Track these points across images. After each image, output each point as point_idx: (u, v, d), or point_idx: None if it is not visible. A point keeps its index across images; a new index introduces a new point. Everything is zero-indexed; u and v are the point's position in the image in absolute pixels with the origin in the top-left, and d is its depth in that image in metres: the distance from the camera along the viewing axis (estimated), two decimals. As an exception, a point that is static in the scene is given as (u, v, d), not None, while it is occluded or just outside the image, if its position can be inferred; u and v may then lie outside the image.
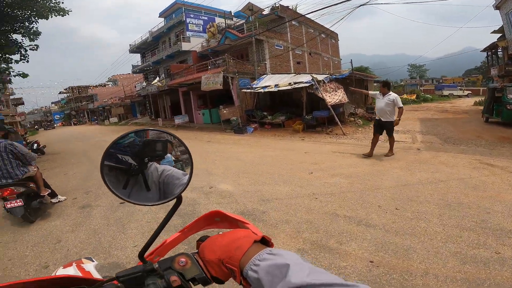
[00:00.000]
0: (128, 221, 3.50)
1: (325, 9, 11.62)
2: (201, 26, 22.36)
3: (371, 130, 9.93)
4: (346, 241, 2.63)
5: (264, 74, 15.29)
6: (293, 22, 19.21)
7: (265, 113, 13.33)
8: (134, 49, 28.59)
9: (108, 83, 51.48)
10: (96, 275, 1.05)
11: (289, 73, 14.66)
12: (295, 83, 11.34)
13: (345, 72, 13.05)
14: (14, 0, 8.76)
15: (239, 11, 21.17)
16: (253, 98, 14.35)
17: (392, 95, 5.47)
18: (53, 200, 4.61)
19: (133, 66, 29.86)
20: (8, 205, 3.66)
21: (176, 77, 18.57)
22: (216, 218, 0.75)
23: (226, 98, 15.50)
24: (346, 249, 2.49)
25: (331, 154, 6.55)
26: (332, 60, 26.80)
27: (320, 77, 10.91)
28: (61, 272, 1.07)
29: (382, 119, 5.56)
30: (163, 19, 25.31)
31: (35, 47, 10.16)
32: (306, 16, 17.31)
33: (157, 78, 22.56)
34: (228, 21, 21.87)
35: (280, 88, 11.75)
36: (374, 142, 5.80)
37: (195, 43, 20.90)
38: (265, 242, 0.55)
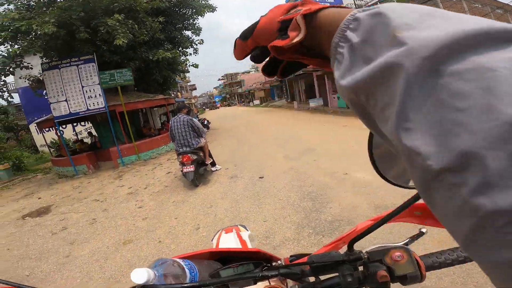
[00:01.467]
0: (263, 196, 3.91)
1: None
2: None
3: None
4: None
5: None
6: None
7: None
8: (272, 35, 30.76)
9: (252, 69, 58.45)
10: (249, 244, 1.17)
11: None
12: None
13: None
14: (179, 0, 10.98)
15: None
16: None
17: None
18: (213, 169, 5.70)
19: (272, 53, 32.28)
20: (184, 170, 4.57)
21: (312, 61, 18.66)
22: (417, 212, 0.65)
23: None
24: None
25: None
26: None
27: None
28: (224, 236, 1.23)
29: None
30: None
31: (201, 41, 12.65)
32: None
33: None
34: (358, 1, 19.42)
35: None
36: None
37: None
38: None
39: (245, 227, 1.42)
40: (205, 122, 14.41)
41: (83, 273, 2.82)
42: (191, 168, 4.55)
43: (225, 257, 0.68)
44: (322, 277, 0.53)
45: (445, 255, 0.53)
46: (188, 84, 46.73)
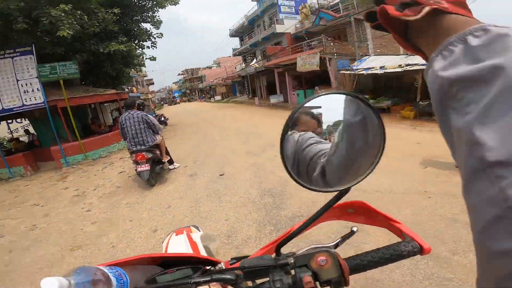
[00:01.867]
0: (224, 194, 3.84)
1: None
2: (293, 7, 21.70)
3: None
4: (463, 251, 2.18)
5: (366, 55, 13.80)
6: None
7: (366, 96, 12.17)
8: (233, 33, 30.68)
9: (213, 65, 57.45)
10: (201, 246, 1.16)
11: (398, 54, 12.74)
12: (407, 65, 9.75)
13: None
14: None
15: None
16: (352, 80, 13.26)
17: None
18: (170, 167, 5.48)
19: (233, 49, 32.26)
20: (138, 169, 4.32)
21: (272, 59, 18.96)
22: (349, 209, 0.66)
23: (322, 79, 14.92)
24: (460, 260, 2.07)
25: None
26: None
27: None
28: (174, 238, 1.22)
29: None
30: (256, 2, 25.78)
31: (160, 34, 12.02)
32: None
33: (254, 60, 23.66)
34: (321, 1, 20.49)
35: (387, 71, 10.37)
36: None
37: (288, 25, 20.54)
38: None
39: (197, 228, 1.38)
40: (162, 118, 13.80)
41: (27, 283, 2.52)
42: (146, 167, 4.33)
43: (170, 262, 0.65)
44: (259, 281, 0.52)
45: (368, 256, 0.53)
46: (145, 78, 44.22)
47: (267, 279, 0.50)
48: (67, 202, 4.67)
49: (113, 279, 0.46)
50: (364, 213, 0.65)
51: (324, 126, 0.49)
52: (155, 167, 4.66)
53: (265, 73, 22.28)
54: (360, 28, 15.16)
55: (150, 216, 3.53)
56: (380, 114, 0.44)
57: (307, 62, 13.32)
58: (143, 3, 10.97)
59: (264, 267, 0.50)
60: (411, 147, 5.63)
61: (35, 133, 9.39)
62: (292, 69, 15.56)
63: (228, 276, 0.50)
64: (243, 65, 28.81)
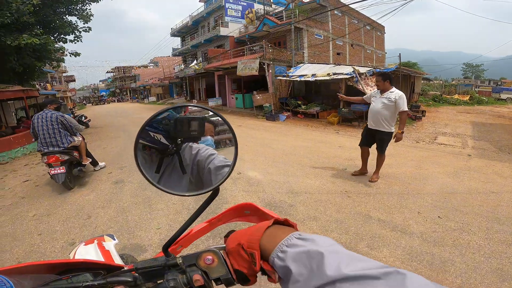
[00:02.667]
0: (156, 202, 3.57)
1: (374, -1, 10.79)
2: (239, 12, 22.16)
3: (413, 130, 9.26)
4: (378, 246, 2.44)
5: (301, 63, 14.84)
6: (336, 12, 18.27)
7: (299, 102, 12.98)
8: (175, 33, 29.49)
9: (150, 64, 53.80)
10: (115, 255, 1.09)
11: (327, 63, 14.06)
12: (334, 74, 10.82)
13: (391, 67, 12.13)
14: None
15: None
16: (288, 86, 14.05)
17: (396, 92, 3.75)
18: (96, 168, 5.19)
19: (173, 49, 30.88)
20: (52, 172, 3.98)
21: (213, 61, 18.76)
22: (246, 211, 0.70)
23: (260, 84, 15.42)
24: (376, 255, 2.31)
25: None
26: (376, 53, 25.18)
27: (362, 70, 10.31)
28: (82, 248, 1.12)
29: (374, 127, 3.91)
30: (203, 3, 25.48)
31: (88, 29, 10.80)
32: (350, 6, 16.19)
33: (195, 61, 23.03)
34: (267, 8, 21.45)
35: (317, 78, 11.30)
36: (364, 156, 4.25)
37: (233, 28, 20.83)
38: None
39: (112, 237, 1.28)
40: (83, 118, 12.13)
41: None
42: (61, 170, 4.01)
43: (74, 270, 0.61)
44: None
45: None
46: (64, 74, 38.54)
47: (162, 280, 0.51)
48: None
49: None
50: (256, 213, 0.69)
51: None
52: (73, 169, 4.35)
53: (205, 76, 21.90)
54: (298, 37, 16.20)
55: (65, 229, 3.04)
56: (230, 125, 0.57)
57: (247, 66, 13.58)
58: None
59: (158, 268, 0.51)
60: (334, 150, 6.22)
61: None
62: (232, 73, 15.67)
63: (125, 278, 0.50)
64: (183, 66, 27.71)
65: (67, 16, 10.47)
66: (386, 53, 27.82)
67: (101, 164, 5.31)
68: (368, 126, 4.03)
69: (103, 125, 12.99)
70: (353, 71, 9.95)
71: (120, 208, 3.46)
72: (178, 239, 0.62)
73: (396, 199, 3.43)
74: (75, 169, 4.36)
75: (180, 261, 0.51)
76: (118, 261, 1.04)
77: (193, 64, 22.31)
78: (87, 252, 1.07)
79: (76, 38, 10.72)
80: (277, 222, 0.48)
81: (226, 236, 0.55)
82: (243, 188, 3.89)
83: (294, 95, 14.30)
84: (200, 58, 23.47)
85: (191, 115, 0.58)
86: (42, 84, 25.13)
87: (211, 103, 17.92)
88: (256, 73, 13.23)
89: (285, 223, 0.49)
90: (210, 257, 0.50)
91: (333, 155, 5.66)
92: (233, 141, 0.57)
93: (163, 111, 0.54)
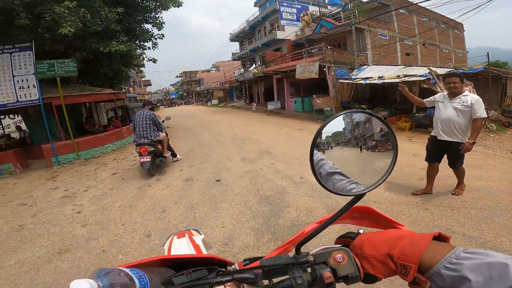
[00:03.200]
0: (221, 201, 3.75)
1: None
2: (294, 14, 21.97)
3: (507, 138, 7.78)
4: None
5: (365, 65, 13.92)
6: (401, 11, 16.65)
7: (363, 106, 12.20)
8: (233, 38, 30.83)
9: (212, 69, 57.52)
10: (203, 249, 1.15)
11: (396, 65, 12.87)
12: (405, 76, 9.82)
13: (478, 67, 10.43)
14: None
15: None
16: (350, 89, 13.34)
17: (471, 95, 3.15)
18: (174, 159, 6.20)
19: (233, 54, 32.34)
20: (141, 160, 4.93)
21: (271, 65, 19.02)
22: (355, 214, 0.71)
23: (320, 87, 14.99)
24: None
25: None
26: (455, 52, 22.07)
27: (441, 71, 9.12)
28: (175, 241, 1.19)
29: (446, 138, 3.25)
30: (258, 8, 26.04)
31: (162, 36, 11.99)
32: (419, 4, 14.46)
33: (253, 65, 23.71)
34: (323, 10, 20.80)
35: (385, 81, 10.45)
36: (432, 173, 3.53)
37: (289, 31, 20.74)
38: (442, 241, 0.50)
39: (198, 231, 1.37)
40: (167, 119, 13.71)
41: (11, 286, 2.37)
42: (147, 159, 4.89)
43: (178, 264, 0.66)
44: (276, 280, 0.54)
45: None
46: (143, 79, 44.02)
47: (285, 277, 0.52)
48: (56, 202, 4.51)
49: (136, 280, 0.46)
50: (368, 217, 0.71)
51: (323, 137, 0.56)
52: (156, 159, 5.22)
53: (264, 79, 22.32)
54: (360, 37, 15.33)
55: (143, 221, 3.40)
56: (392, 130, 0.57)
57: (306, 69, 13.38)
58: (147, 4, 10.94)
59: (283, 266, 0.52)
60: (408, 158, 5.62)
61: (27, 130, 9.16)
62: (291, 76, 15.61)
63: (248, 276, 0.53)
64: (242, 70, 28.85)
65: (144, 24, 11.69)
66: (467, 52, 24.16)
67: (178, 157, 6.25)
68: (438, 137, 3.33)
69: (173, 125, 14.38)
70: (429, 73, 8.90)
71: (190, 204, 3.75)
72: (292, 238, 0.64)
73: (486, 214, 2.92)
74: (157, 159, 5.24)
75: (312, 258, 0.52)
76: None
77: (252, 68, 23.02)
78: (181, 245, 1.15)
79: (153, 45, 11.99)
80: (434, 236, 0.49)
81: (347, 237, 0.58)
82: (306, 193, 3.81)
83: (358, 98, 13.51)
84: (259, 62, 24.07)
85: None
86: (126, 88, 29.19)
87: (270, 106, 18.19)
88: (316, 76, 12.91)
89: (440, 237, 0.49)
90: (341, 255, 0.52)
91: (407, 164, 5.12)
92: (393, 144, 0.58)
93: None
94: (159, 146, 5.29)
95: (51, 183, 5.78)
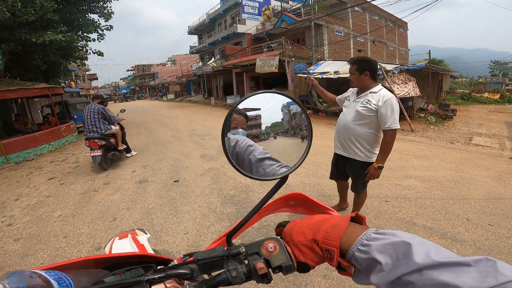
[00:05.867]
0: (181, 203, 3.44)
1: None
2: (256, 8, 21.93)
3: (445, 129, 8.69)
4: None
5: (321, 60, 14.43)
6: (356, 8, 17.69)
7: (320, 100, 12.63)
8: (192, 31, 29.71)
9: (168, 62, 54.72)
10: (149, 249, 1.08)
11: (349, 60, 13.60)
12: (358, 70, 10.37)
13: (421, 63, 11.46)
14: None
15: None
16: (308, 83, 13.72)
17: (380, 93, 2.14)
18: (128, 155, 6.00)
19: (191, 47, 31.16)
20: (91, 154, 4.84)
21: (230, 58, 18.67)
22: (291, 202, 0.72)
23: (280, 81, 15.16)
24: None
25: (399, 152, 5.69)
26: (399, 50, 24.22)
27: (389, 67, 9.80)
28: (117, 242, 1.11)
29: (341, 152, 2.42)
30: (219, 0, 25.43)
31: (110, 27, 10.89)
32: (372, 2, 15.50)
33: (212, 59, 23.07)
34: (284, 4, 21.09)
35: (340, 76, 10.90)
36: (342, 190, 2.84)
37: (250, 25, 20.63)
38: (358, 222, 0.48)
39: (143, 231, 1.29)
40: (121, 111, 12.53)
41: None
42: (97, 153, 4.80)
43: (115, 265, 0.62)
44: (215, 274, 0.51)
45: None
46: (87, 73, 39.91)
47: (223, 270, 0.50)
48: (-25, 217, 3.69)
49: (54, 283, 0.42)
50: (303, 204, 0.71)
51: (263, 127, 0.57)
52: (108, 153, 5.13)
53: (223, 73, 21.88)
54: (318, 33, 15.79)
55: (90, 231, 2.95)
56: (309, 116, 0.57)
57: (266, 63, 13.35)
58: None
59: (218, 258, 0.50)
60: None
61: None
62: (251, 70, 15.49)
63: (183, 271, 0.51)
64: (200, 63, 27.89)
65: (89, 14, 10.59)
66: (409, 50, 26.70)
67: (133, 152, 6.13)
68: (335, 150, 2.54)
69: (124, 122, 13.23)
70: (379, 68, 9.49)
71: (145, 209, 3.36)
72: (229, 230, 0.61)
73: (440, 205, 3.13)
74: (109, 153, 5.15)
75: (243, 249, 0.50)
76: None
77: (211, 61, 22.37)
78: (123, 246, 1.06)
79: (99, 37, 10.86)
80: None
81: (282, 226, 0.55)
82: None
83: (316, 93, 13.96)
84: (218, 56, 23.47)
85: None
86: (66, 82, 26.06)
87: (230, 100, 17.84)
88: (276, 70, 12.98)
89: (357, 218, 0.48)
90: (272, 244, 0.50)
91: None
92: (308, 130, 0.57)
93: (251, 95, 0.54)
94: (112, 140, 5.24)
95: (-32, 194, 4.76)
